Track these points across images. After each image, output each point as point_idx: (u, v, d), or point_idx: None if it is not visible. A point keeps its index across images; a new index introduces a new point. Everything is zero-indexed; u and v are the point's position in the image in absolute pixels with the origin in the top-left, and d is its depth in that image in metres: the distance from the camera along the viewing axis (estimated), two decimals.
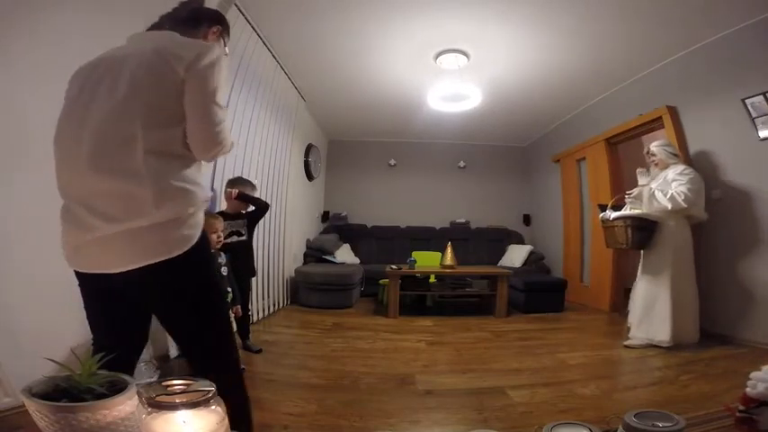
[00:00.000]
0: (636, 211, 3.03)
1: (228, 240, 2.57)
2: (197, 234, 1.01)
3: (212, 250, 2.24)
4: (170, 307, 1.02)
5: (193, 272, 1.02)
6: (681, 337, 2.78)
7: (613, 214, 3.07)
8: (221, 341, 1.08)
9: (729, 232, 3.08)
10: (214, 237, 2.21)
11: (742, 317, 2.92)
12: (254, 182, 2.95)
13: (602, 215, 3.21)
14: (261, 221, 3.02)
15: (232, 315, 2.36)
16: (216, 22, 1.22)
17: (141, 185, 0.93)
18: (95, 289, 1.06)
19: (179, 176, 1.00)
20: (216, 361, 1.05)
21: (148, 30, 1.16)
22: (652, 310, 2.88)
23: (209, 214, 2.29)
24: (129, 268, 0.94)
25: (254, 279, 3.07)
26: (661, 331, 2.79)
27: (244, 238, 2.69)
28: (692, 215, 2.97)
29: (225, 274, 2.25)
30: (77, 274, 1.07)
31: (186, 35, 1.10)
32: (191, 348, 1.06)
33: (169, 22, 1.17)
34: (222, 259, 2.27)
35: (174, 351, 2.38)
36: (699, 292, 2.97)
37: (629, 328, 3.06)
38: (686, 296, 2.89)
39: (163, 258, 0.94)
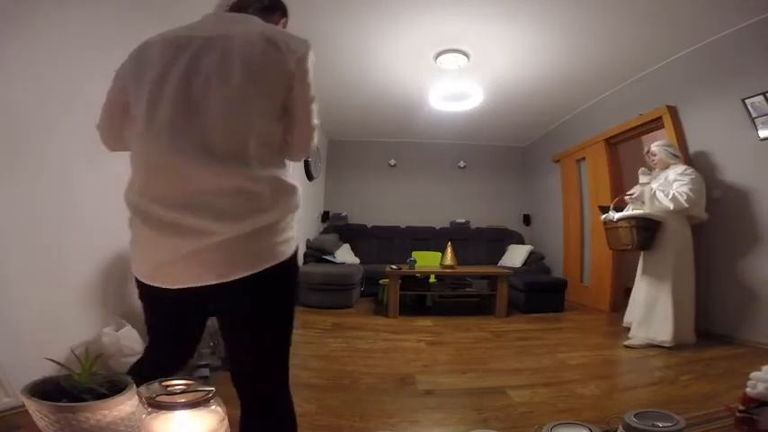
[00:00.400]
0: (639, 212, 3.02)
1: None
2: (295, 237, 0.95)
3: None
4: (259, 317, 0.90)
5: (292, 278, 0.95)
6: (680, 337, 2.78)
7: (618, 215, 3.07)
8: (287, 351, 0.97)
9: (729, 232, 3.08)
10: None
11: (742, 317, 2.92)
12: None
13: (604, 216, 3.20)
14: None
15: None
16: (285, 14, 1.15)
17: (259, 181, 0.87)
18: (175, 302, 0.92)
19: (286, 173, 0.95)
20: (281, 374, 0.95)
21: (230, 10, 1.04)
22: (653, 310, 2.89)
23: None
24: (243, 275, 0.84)
25: None
26: (662, 331, 2.79)
27: None
28: (693, 215, 2.97)
29: None
30: (149, 288, 0.92)
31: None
32: (259, 360, 0.93)
33: (252, 5, 1.05)
34: None
35: None
36: (698, 292, 2.97)
37: (627, 329, 3.07)
38: (686, 296, 2.89)
39: (276, 262, 0.88)
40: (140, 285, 0.96)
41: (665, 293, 2.86)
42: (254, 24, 0.95)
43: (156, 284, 0.90)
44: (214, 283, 0.84)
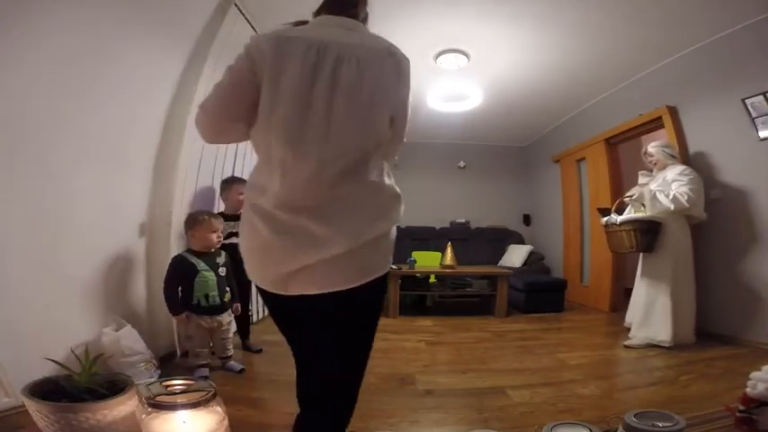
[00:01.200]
0: (641, 214, 3.02)
1: (228, 241, 2.56)
2: None
3: (212, 250, 2.24)
4: (366, 320, 0.96)
5: (386, 287, 0.98)
6: (679, 337, 2.79)
7: (620, 218, 3.06)
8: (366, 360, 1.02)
9: (729, 232, 3.08)
10: (214, 236, 2.21)
11: (742, 317, 2.92)
12: None
13: (606, 219, 3.19)
14: None
15: (232, 314, 2.37)
16: (366, 18, 1.12)
17: (380, 191, 0.93)
18: (304, 309, 0.92)
19: (392, 181, 1.00)
20: (362, 377, 1.02)
21: (343, 14, 1.02)
22: (652, 310, 2.89)
23: (211, 214, 2.29)
24: (364, 282, 0.88)
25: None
26: (662, 331, 2.79)
27: None
28: (693, 215, 2.97)
29: (223, 274, 2.24)
30: (281, 298, 0.91)
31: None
32: (354, 361, 0.98)
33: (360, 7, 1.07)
34: (221, 259, 2.27)
35: (179, 350, 2.38)
36: (697, 292, 2.97)
37: (628, 329, 3.07)
38: (686, 296, 2.90)
39: (385, 271, 0.93)
40: (267, 296, 0.95)
41: (664, 293, 2.86)
42: (376, 39, 0.98)
43: (283, 293, 0.90)
44: (343, 288, 0.86)
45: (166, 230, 2.33)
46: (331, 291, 0.86)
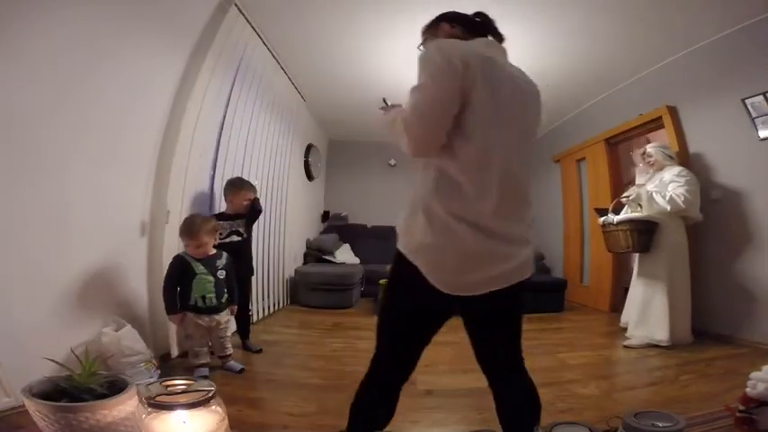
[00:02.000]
0: (638, 214, 3.03)
1: (228, 240, 2.57)
2: None
3: (211, 252, 2.23)
4: (520, 309, 1.13)
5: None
6: (677, 336, 2.79)
7: (617, 218, 3.07)
8: None
9: (729, 232, 3.08)
10: (206, 247, 2.20)
11: (742, 317, 2.92)
12: (255, 182, 2.95)
13: (603, 219, 3.20)
14: (259, 221, 3.04)
15: (230, 314, 2.36)
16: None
17: (530, 206, 1.07)
18: (444, 307, 1.07)
19: None
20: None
21: (493, 38, 1.21)
22: (649, 309, 2.91)
23: (204, 221, 2.23)
24: (513, 283, 1.00)
25: (253, 279, 3.09)
26: (659, 331, 2.80)
27: (244, 237, 2.70)
28: (689, 216, 2.99)
29: (222, 277, 2.23)
30: (430, 293, 0.99)
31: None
32: (518, 339, 1.16)
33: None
34: (221, 261, 2.27)
35: (175, 351, 2.38)
36: (697, 292, 2.99)
37: (624, 329, 3.08)
38: (682, 296, 2.92)
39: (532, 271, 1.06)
40: (428, 294, 0.99)
41: (660, 293, 2.87)
42: (524, 76, 1.13)
43: (461, 293, 0.98)
44: (506, 286, 0.99)
45: (165, 230, 2.33)
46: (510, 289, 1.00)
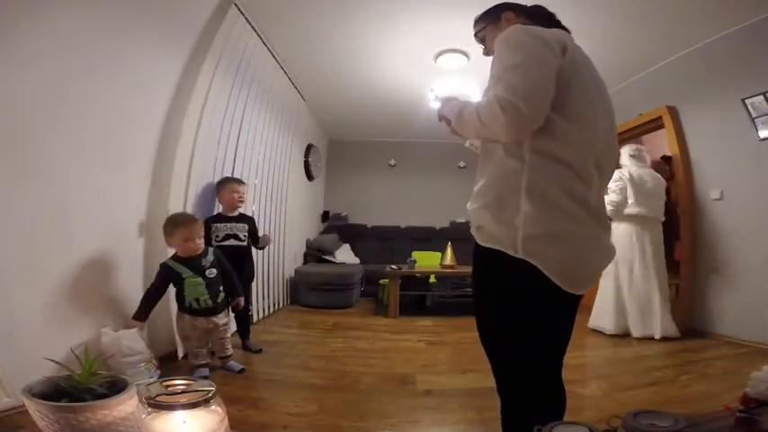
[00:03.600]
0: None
1: (227, 243, 2.56)
2: None
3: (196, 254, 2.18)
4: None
5: None
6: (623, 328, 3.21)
7: None
8: None
9: (729, 232, 3.08)
10: (191, 244, 2.13)
11: (742, 317, 2.92)
12: (255, 182, 2.94)
13: None
14: (258, 221, 3.04)
15: (232, 311, 2.37)
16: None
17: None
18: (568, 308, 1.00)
19: None
20: None
21: (556, 23, 1.18)
22: (624, 307, 3.26)
23: (189, 219, 2.20)
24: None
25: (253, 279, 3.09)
26: (608, 321, 3.24)
27: (243, 243, 2.68)
28: (655, 217, 3.31)
29: (212, 276, 2.16)
30: (565, 295, 0.90)
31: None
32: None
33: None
34: (208, 260, 2.18)
35: (181, 351, 2.37)
36: (698, 292, 3.07)
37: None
38: (663, 293, 3.17)
39: None
40: (555, 296, 0.90)
41: (636, 291, 3.21)
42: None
43: (578, 291, 0.92)
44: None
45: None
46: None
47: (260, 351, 2.66)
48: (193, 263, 2.14)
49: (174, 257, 2.14)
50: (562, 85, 0.90)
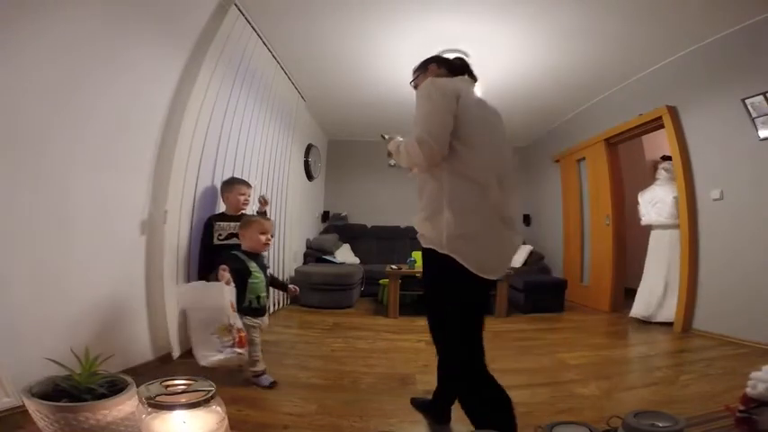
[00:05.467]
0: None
1: (230, 242, 2.56)
2: None
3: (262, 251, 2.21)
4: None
5: None
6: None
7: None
8: None
9: (729, 232, 3.08)
10: (263, 237, 2.14)
11: (742, 317, 2.92)
12: (255, 182, 2.94)
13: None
14: None
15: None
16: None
17: (518, 202, 1.51)
18: (483, 292, 1.33)
19: None
20: None
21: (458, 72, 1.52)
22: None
23: (261, 215, 2.40)
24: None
25: None
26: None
27: None
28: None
29: (267, 276, 2.19)
30: (480, 280, 1.23)
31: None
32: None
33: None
34: (265, 258, 2.21)
35: (177, 352, 2.37)
36: (698, 291, 3.14)
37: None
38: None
39: None
40: (473, 281, 1.23)
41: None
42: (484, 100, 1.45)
43: (490, 277, 1.25)
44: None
45: (162, 229, 2.33)
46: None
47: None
48: (258, 259, 2.13)
49: (241, 251, 2.12)
50: (459, 123, 1.24)
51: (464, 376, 1.27)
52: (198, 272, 2.55)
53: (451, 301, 1.27)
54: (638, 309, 3.71)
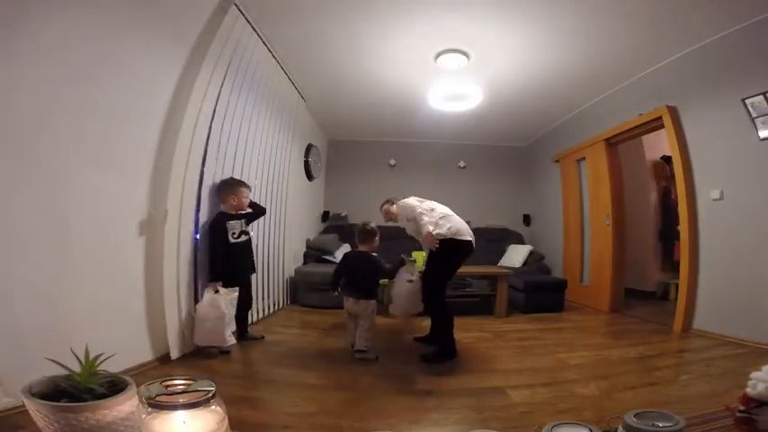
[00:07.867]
0: None
1: (242, 240, 2.67)
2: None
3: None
4: None
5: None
6: None
7: None
8: None
9: (729, 232, 3.08)
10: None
11: (741, 317, 2.92)
12: (255, 182, 2.97)
13: None
14: (259, 220, 3.13)
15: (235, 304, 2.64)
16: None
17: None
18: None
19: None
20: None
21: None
22: None
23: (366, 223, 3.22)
24: None
25: (253, 278, 3.14)
26: None
27: (251, 236, 2.86)
28: None
29: None
30: (468, 246, 2.67)
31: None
32: None
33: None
34: None
35: (175, 352, 2.37)
36: (698, 292, 3.10)
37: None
38: None
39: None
40: (463, 247, 2.65)
41: None
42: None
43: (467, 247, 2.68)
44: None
45: (162, 229, 2.33)
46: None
47: (263, 338, 2.84)
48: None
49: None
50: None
51: (439, 305, 2.63)
52: (213, 271, 2.58)
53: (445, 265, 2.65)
54: None
